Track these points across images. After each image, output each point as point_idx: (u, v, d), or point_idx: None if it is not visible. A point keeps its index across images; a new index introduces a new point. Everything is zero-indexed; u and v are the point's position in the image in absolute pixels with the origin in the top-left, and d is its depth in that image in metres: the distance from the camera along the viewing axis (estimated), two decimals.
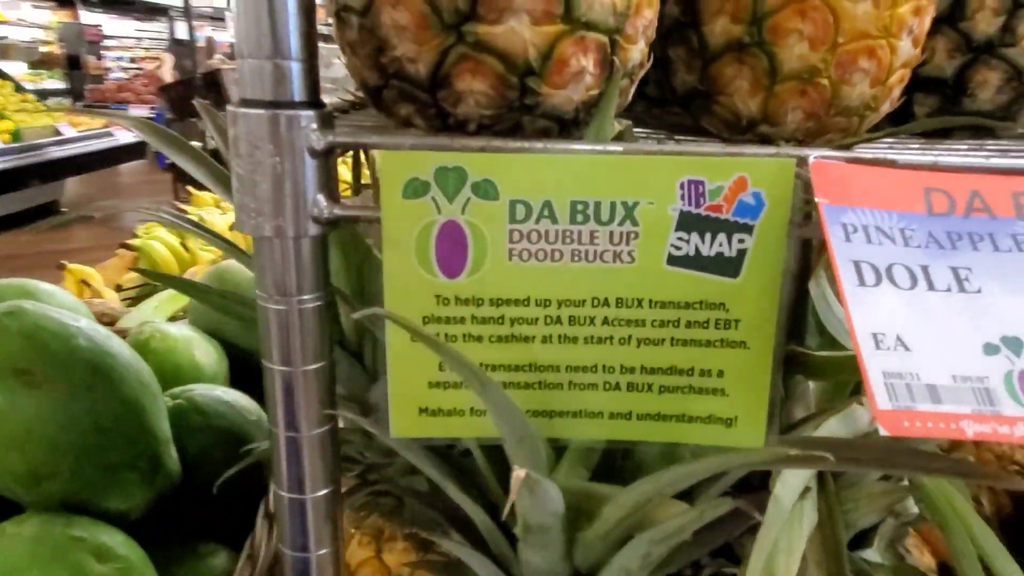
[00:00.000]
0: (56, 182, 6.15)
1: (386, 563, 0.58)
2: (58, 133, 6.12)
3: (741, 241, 0.34)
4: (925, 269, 0.30)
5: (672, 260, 0.35)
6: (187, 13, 4.06)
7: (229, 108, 0.34)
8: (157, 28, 13.69)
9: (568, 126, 0.35)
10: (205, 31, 6.60)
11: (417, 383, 0.37)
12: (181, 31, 5.11)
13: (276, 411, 0.38)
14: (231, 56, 6.37)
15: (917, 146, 0.46)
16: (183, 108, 3.95)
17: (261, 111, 0.33)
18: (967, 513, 0.44)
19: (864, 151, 0.43)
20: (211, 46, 6.30)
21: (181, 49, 5.55)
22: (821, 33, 0.39)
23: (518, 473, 0.30)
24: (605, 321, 0.36)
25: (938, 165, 0.34)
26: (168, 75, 6.32)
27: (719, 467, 0.34)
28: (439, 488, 0.53)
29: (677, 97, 0.46)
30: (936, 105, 0.51)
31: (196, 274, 1.59)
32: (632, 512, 0.36)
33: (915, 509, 0.50)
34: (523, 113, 0.34)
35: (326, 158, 0.34)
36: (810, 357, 0.43)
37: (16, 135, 5.90)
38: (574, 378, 0.37)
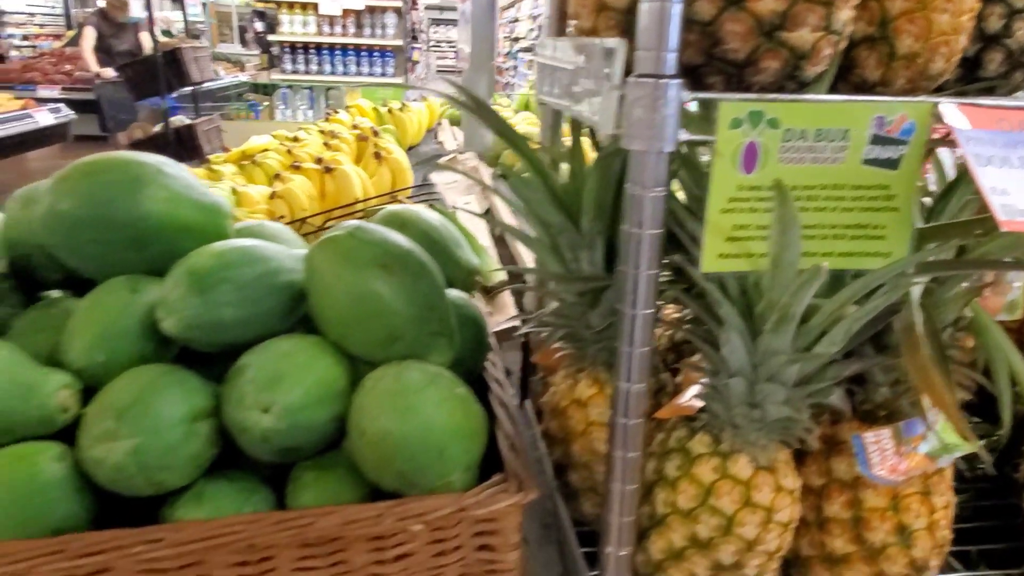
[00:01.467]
0: None
1: (609, 396, 0.84)
2: None
3: (900, 149, 0.62)
4: (1006, 158, 0.59)
5: (865, 161, 0.62)
6: None
7: (630, 80, 0.59)
8: (51, 3, 12.99)
9: (805, 84, 0.63)
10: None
11: (719, 238, 0.63)
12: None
13: (629, 255, 0.63)
14: (170, 32, 6.23)
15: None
16: (143, 87, 3.96)
17: (652, 80, 0.58)
18: (994, 324, 0.75)
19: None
20: (139, 25, 6.16)
21: (114, 27, 5.42)
22: (922, 32, 0.68)
23: (824, 265, 0.57)
24: (827, 198, 0.63)
25: (999, 105, 0.63)
26: (90, 53, 6.10)
27: (903, 267, 0.62)
28: None
29: None
30: (960, 73, 0.80)
31: None
32: (839, 308, 0.64)
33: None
34: (787, 80, 0.61)
35: (683, 106, 0.59)
36: None
37: None
38: (806, 232, 0.64)
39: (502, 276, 1.36)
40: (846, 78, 0.72)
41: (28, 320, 0.81)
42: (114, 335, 0.75)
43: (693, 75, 0.63)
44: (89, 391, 0.74)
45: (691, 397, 0.77)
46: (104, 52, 5.98)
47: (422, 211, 1.08)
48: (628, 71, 0.59)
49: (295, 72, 6.20)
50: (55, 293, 0.92)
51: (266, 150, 2.72)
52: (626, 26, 0.69)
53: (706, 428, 0.74)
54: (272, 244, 0.81)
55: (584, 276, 0.80)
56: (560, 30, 0.99)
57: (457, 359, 0.84)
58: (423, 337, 0.77)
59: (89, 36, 5.89)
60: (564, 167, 0.85)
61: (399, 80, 6.19)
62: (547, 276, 0.85)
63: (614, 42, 0.61)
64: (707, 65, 0.61)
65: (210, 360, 0.78)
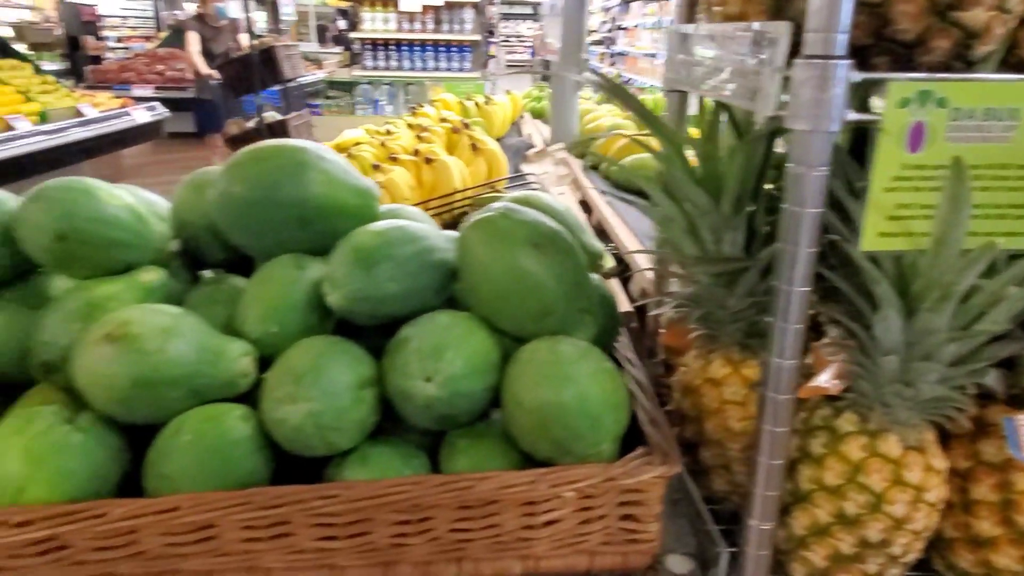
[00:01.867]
0: (76, 164, 6.20)
1: (744, 375, 0.85)
2: (80, 114, 6.19)
3: None
4: None
5: None
6: None
7: (798, 61, 0.60)
8: (142, 7, 13.63)
9: (971, 63, 0.63)
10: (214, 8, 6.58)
11: (881, 216, 0.64)
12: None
13: (788, 233, 0.65)
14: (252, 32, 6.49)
15: None
16: (239, 85, 4.14)
17: (822, 61, 0.59)
18: None
19: None
20: (235, 25, 6.41)
21: (212, 30, 5.67)
22: None
23: (999, 243, 0.58)
24: (992, 177, 0.63)
25: None
26: (199, 57, 6.32)
27: None
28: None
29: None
30: None
31: None
32: (1001, 288, 0.64)
33: None
34: (955, 60, 0.61)
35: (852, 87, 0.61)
36: None
37: (43, 117, 5.95)
38: (973, 212, 0.64)
39: (612, 262, 1.39)
40: (1004, 59, 0.71)
41: (202, 295, 0.88)
42: (284, 308, 0.81)
43: (857, 55, 0.64)
44: (263, 360, 0.80)
45: (831, 377, 0.78)
46: (206, 55, 6.23)
47: (547, 197, 1.11)
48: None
49: (375, 68, 6.35)
50: (208, 273, 1.00)
51: (359, 143, 2.81)
52: (775, 10, 0.71)
53: (853, 407, 0.75)
54: (422, 224, 0.86)
55: (727, 257, 0.82)
56: (689, 17, 1.01)
57: (595, 336, 0.87)
58: (572, 313, 0.80)
59: (194, 40, 6.14)
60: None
61: (477, 74, 6.27)
62: (686, 259, 0.87)
63: (778, 26, 0.63)
64: (873, 45, 0.62)
65: (360, 334, 0.83)
